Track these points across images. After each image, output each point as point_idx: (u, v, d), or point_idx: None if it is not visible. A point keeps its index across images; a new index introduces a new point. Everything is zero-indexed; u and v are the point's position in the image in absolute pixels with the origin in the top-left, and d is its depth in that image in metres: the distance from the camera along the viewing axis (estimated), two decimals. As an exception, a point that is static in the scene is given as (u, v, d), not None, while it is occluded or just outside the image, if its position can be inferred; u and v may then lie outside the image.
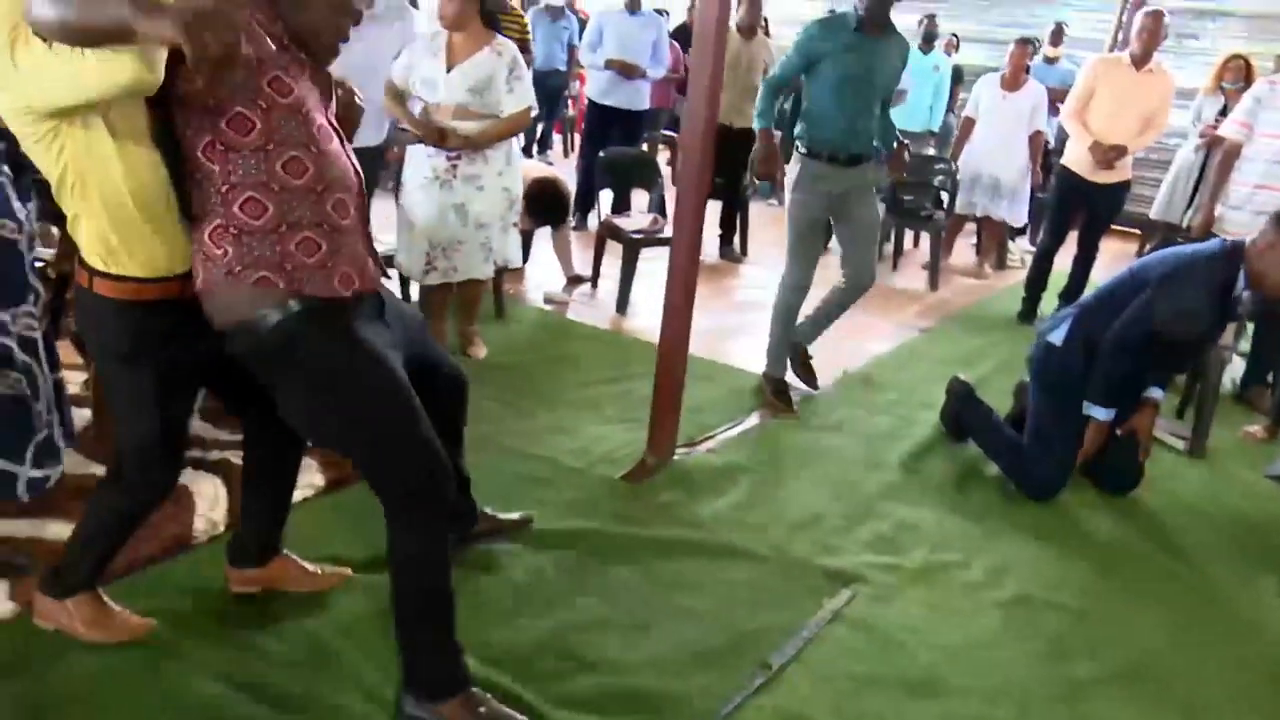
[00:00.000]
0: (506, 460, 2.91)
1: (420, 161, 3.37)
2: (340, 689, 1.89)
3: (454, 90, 3.25)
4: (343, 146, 1.74)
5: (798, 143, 3.47)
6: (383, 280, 1.82)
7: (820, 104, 3.34)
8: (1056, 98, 5.87)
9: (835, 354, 4.18)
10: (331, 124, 1.72)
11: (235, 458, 2.70)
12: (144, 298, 1.65)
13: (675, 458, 2.98)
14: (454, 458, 2.13)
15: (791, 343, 3.68)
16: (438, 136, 3.25)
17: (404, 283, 3.94)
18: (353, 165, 1.74)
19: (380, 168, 4.00)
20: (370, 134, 3.85)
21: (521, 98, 3.33)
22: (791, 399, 3.58)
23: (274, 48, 1.61)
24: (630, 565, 2.42)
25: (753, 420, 3.43)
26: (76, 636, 1.91)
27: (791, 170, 3.48)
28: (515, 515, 2.50)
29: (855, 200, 3.44)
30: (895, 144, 3.56)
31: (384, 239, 4.01)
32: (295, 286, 1.62)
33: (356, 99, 1.93)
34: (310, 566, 2.19)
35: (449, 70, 3.25)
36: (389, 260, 3.76)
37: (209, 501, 2.45)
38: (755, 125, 3.47)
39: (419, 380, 1.80)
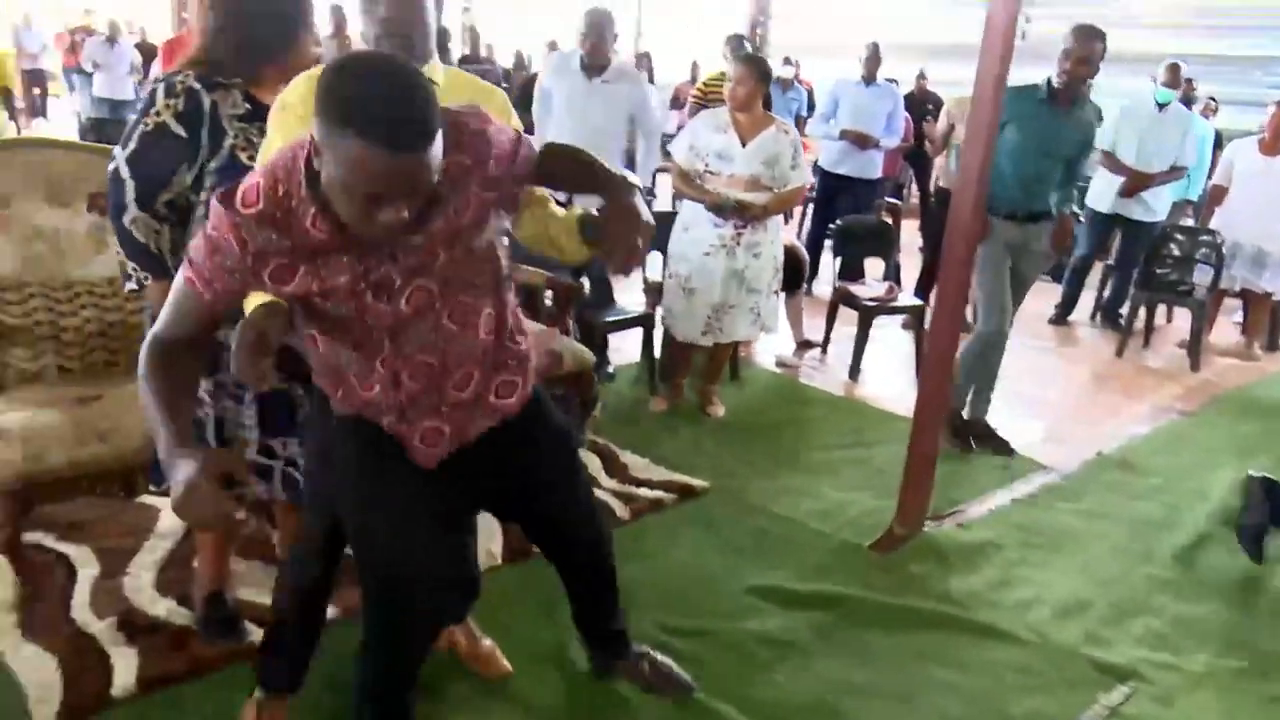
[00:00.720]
0: (751, 516, 2.97)
1: (705, 231, 3.57)
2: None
3: (750, 163, 3.50)
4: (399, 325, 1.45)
5: None
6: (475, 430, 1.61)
7: (1001, 165, 3.46)
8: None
9: (1089, 434, 3.97)
10: (399, 305, 1.43)
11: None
12: None
13: (924, 530, 2.92)
14: (598, 611, 2.04)
15: (969, 420, 3.75)
16: (737, 209, 3.49)
17: (647, 341, 4.13)
18: (411, 347, 1.48)
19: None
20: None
21: (804, 174, 3.63)
22: (970, 440, 3.68)
23: (317, 236, 1.32)
24: (885, 634, 2.40)
25: (1002, 497, 3.30)
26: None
27: None
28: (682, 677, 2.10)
29: (1027, 255, 3.61)
30: (1065, 214, 3.68)
31: (626, 299, 4.27)
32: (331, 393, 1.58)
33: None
34: (484, 647, 2.15)
35: (744, 145, 3.49)
36: (644, 320, 3.99)
37: (486, 534, 2.66)
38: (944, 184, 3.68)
39: (550, 531, 1.83)
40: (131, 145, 1.85)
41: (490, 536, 2.66)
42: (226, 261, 1.31)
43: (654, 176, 8.40)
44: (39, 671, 1.95)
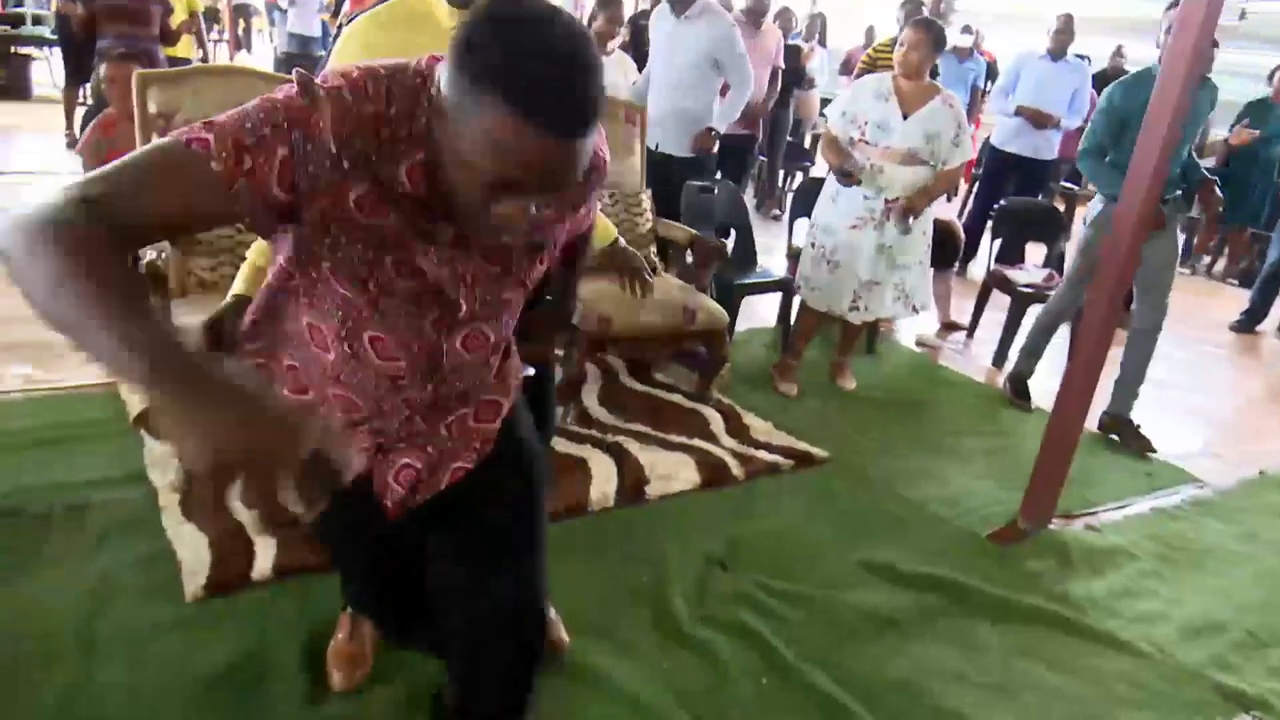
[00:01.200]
0: (868, 491, 2.93)
1: (853, 203, 3.46)
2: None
3: (910, 136, 3.36)
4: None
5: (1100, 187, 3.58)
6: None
7: (1127, 156, 3.16)
8: None
9: (1253, 451, 3.68)
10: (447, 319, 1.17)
11: (628, 440, 3.01)
12: None
13: (1050, 527, 2.80)
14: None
15: (1112, 414, 3.63)
16: (903, 213, 3.41)
17: (785, 306, 4.10)
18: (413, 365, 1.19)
19: (697, 178, 4.19)
20: (684, 143, 4.14)
21: (965, 151, 3.44)
22: (1030, 398, 3.82)
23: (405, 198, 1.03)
24: (991, 625, 2.33)
25: (1142, 505, 3.11)
26: None
27: (1093, 208, 3.61)
28: None
29: (1155, 239, 3.38)
30: (1202, 180, 3.58)
31: (768, 262, 4.25)
32: None
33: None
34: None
35: (905, 116, 3.36)
36: (783, 285, 3.96)
37: (603, 477, 2.75)
38: (1105, 193, 3.56)
39: (466, 550, 1.33)
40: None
41: (607, 479, 2.75)
42: (306, 150, 0.95)
43: (815, 141, 8.25)
44: (193, 549, 2.17)
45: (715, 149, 4.28)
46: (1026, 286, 4.35)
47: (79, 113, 6.19)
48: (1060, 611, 2.41)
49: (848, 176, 3.41)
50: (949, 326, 4.70)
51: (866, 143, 3.41)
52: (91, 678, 1.78)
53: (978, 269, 5.56)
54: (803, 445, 3.14)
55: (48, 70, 8.55)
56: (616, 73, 4.41)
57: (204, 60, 5.92)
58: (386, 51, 1.51)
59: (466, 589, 1.33)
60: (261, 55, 11.97)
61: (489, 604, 1.32)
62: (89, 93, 5.55)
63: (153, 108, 2.68)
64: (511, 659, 1.37)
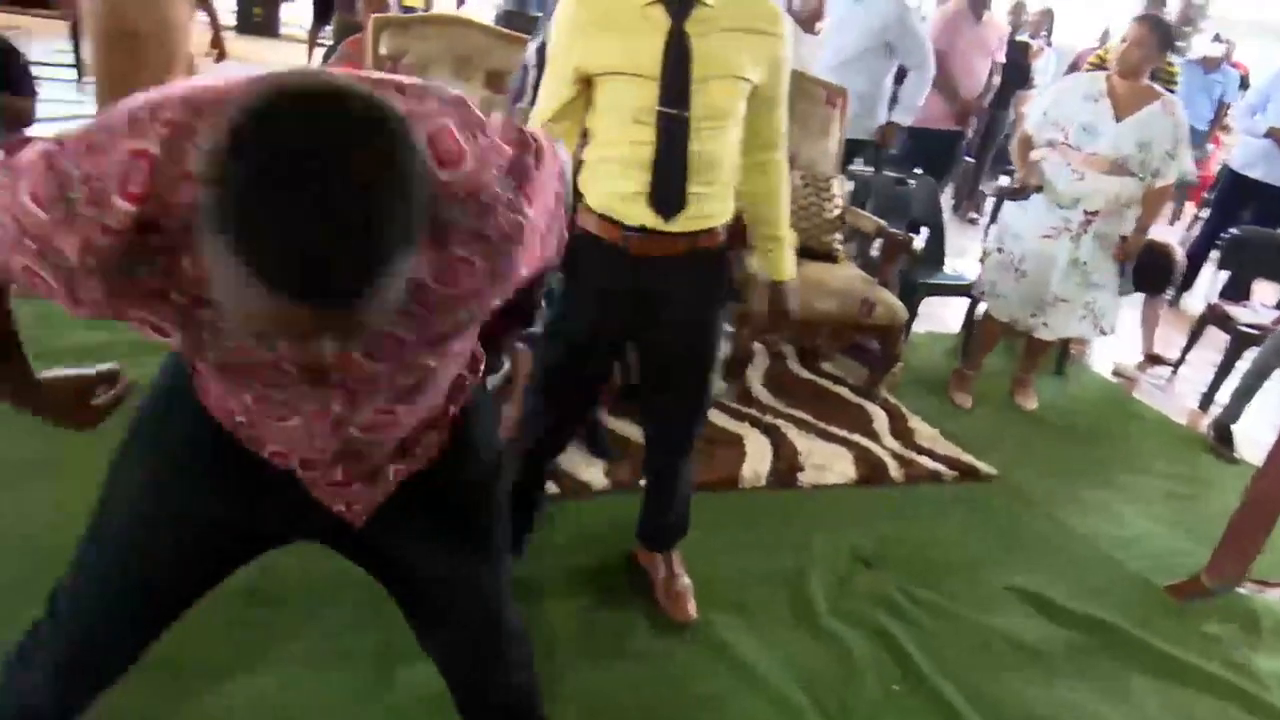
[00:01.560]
0: (1033, 516, 2.77)
1: (1044, 210, 3.23)
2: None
3: (1122, 142, 3.08)
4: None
5: None
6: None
7: None
8: None
9: None
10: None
11: (787, 425, 2.98)
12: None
13: (1240, 591, 2.55)
14: None
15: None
16: (1120, 259, 3.24)
17: (971, 311, 3.91)
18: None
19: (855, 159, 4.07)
20: (861, 124, 4.00)
21: (1181, 165, 3.13)
22: (1235, 447, 3.49)
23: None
24: (1153, 681, 2.15)
25: (1356, 585, 2.78)
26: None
27: None
28: None
29: None
30: None
31: (959, 264, 4.07)
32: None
33: None
34: (679, 585, 2.06)
35: (1118, 120, 3.10)
36: (967, 289, 3.77)
37: (758, 456, 2.74)
38: None
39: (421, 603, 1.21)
40: (540, 37, 2.05)
41: (761, 459, 2.73)
42: (56, 267, 0.76)
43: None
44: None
45: (895, 144, 4.28)
46: (1249, 326, 3.94)
47: (319, 52, 6.70)
48: (1237, 682, 2.19)
49: (1017, 192, 3.20)
50: (1152, 359, 4.34)
51: (1070, 146, 3.15)
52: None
53: (1194, 301, 5.10)
54: (968, 458, 3.00)
55: (295, 11, 9.29)
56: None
57: (427, 9, 6.30)
58: (584, 28, 1.60)
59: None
60: (485, 7, 12.51)
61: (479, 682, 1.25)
62: (331, 34, 5.98)
63: (383, 50, 2.86)
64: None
